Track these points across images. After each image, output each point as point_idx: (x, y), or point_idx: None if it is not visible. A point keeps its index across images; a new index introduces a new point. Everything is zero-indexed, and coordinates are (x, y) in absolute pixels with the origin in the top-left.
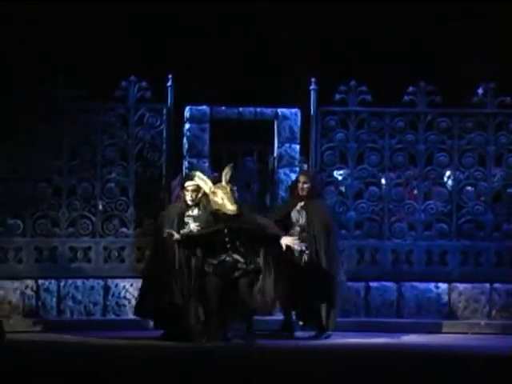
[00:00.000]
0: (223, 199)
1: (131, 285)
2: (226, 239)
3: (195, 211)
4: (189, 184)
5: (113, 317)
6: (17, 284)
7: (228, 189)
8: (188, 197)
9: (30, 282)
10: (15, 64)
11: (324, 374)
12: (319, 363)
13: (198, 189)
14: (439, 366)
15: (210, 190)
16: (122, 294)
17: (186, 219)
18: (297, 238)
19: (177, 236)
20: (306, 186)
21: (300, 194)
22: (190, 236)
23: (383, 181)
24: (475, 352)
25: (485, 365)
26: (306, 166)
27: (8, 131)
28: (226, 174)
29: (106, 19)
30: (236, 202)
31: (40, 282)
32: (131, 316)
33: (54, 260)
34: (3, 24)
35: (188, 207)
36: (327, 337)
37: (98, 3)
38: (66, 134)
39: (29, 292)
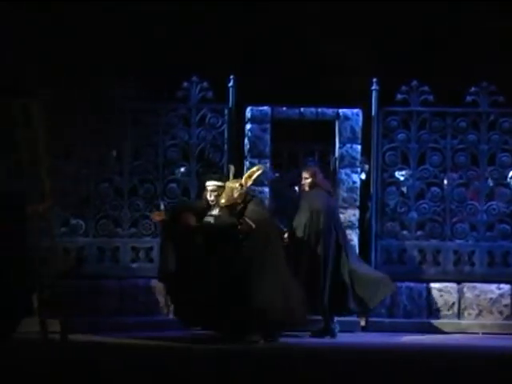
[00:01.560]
0: (223, 194)
1: None
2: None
3: (215, 211)
4: (208, 184)
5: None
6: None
7: (232, 184)
8: (208, 197)
9: (93, 282)
10: (79, 64)
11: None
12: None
13: (217, 189)
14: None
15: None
16: None
17: (207, 218)
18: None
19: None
20: (307, 181)
21: (302, 188)
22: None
23: (445, 181)
24: None
25: None
26: (367, 167)
27: (71, 132)
28: (250, 173)
29: (168, 19)
30: (233, 198)
31: (102, 281)
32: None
33: (115, 260)
34: (69, 25)
35: (209, 207)
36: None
37: (160, 3)
38: (127, 134)
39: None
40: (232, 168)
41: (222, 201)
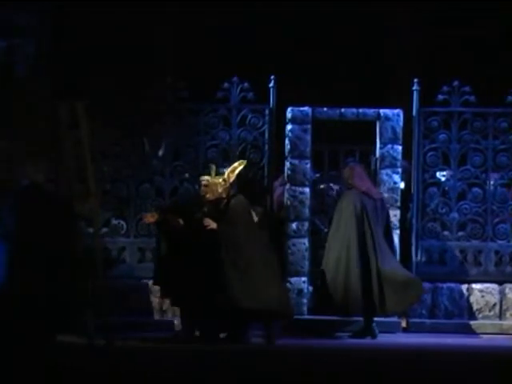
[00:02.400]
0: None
1: None
2: None
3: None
4: (202, 179)
5: None
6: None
7: (216, 180)
8: (202, 192)
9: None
10: (124, 65)
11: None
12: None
13: (208, 184)
14: None
15: None
16: None
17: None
18: None
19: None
20: (344, 181)
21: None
22: None
23: (491, 182)
24: None
25: None
26: (407, 167)
27: (116, 132)
28: (232, 168)
29: (209, 21)
30: (218, 193)
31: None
32: None
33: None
34: (113, 27)
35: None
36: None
37: (201, 4)
38: (168, 135)
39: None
40: (213, 167)
41: (208, 196)
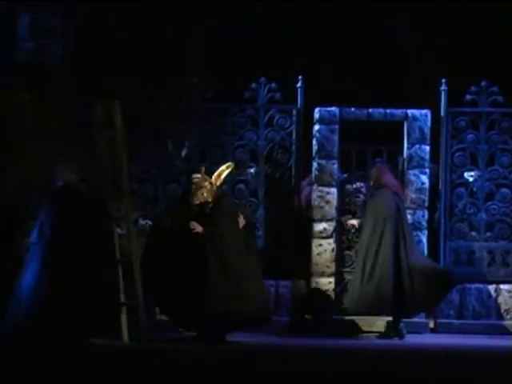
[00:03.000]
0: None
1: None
2: None
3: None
4: (194, 176)
5: None
6: None
7: (202, 183)
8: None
9: None
10: (151, 64)
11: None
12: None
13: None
14: None
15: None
16: None
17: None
18: None
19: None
20: (373, 181)
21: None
22: None
23: None
24: None
25: None
26: (435, 170)
27: (144, 132)
28: (219, 171)
29: (236, 21)
30: (204, 197)
31: None
32: None
33: None
34: (140, 27)
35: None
36: None
37: (228, 4)
38: (196, 135)
39: None
40: (203, 168)
41: (194, 200)
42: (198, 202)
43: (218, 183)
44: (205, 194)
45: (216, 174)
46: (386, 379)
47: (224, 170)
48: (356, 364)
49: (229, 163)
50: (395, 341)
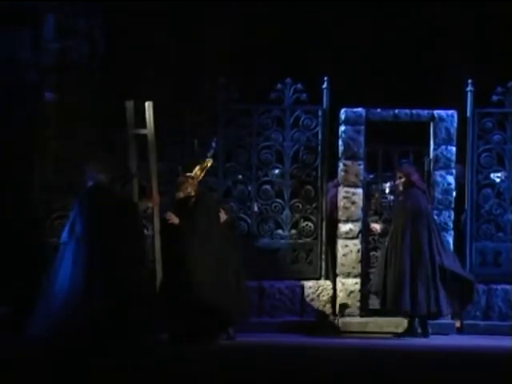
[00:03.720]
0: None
1: (286, 287)
2: None
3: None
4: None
5: (267, 319)
6: None
7: (183, 179)
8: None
9: None
10: (177, 65)
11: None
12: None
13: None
14: None
15: None
16: (277, 296)
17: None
18: None
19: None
20: (401, 181)
21: (396, 188)
22: None
23: None
24: None
25: None
26: (461, 172)
27: (170, 133)
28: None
29: (261, 22)
30: (187, 191)
31: None
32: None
33: None
34: (166, 27)
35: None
36: None
37: (254, 5)
38: (221, 135)
39: None
40: (180, 167)
41: (178, 194)
42: (182, 196)
43: (200, 177)
44: (188, 189)
45: (197, 168)
46: (410, 379)
47: (205, 165)
48: (379, 364)
49: (208, 159)
50: (420, 341)
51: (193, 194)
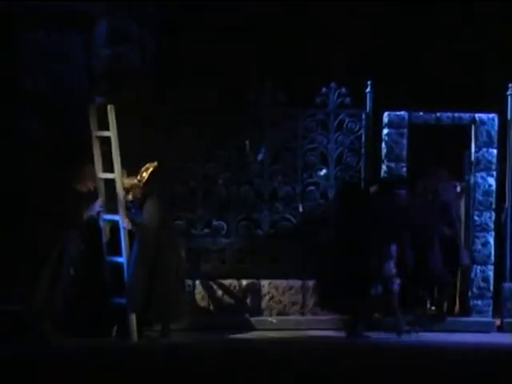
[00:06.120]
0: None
1: None
2: None
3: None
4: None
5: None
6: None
7: (130, 181)
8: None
9: (234, 282)
10: (225, 68)
11: None
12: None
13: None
14: None
15: None
16: None
17: None
18: None
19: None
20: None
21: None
22: None
23: None
24: None
25: None
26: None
27: (216, 136)
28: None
29: (307, 29)
30: (136, 192)
31: (243, 282)
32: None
33: (255, 261)
34: (213, 30)
35: None
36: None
37: (300, 10)
38: (268, 138)
39: (232, 291)
40: (124, 171)
41: (129, 197)
42: (131, 199)
43: (145, 179)
44: (137, 193)
45: (142, 170)
46: (445, 375)
47: (149, 167)
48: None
49: (153, 163)
50: (456, 337)
51: (139, 196)
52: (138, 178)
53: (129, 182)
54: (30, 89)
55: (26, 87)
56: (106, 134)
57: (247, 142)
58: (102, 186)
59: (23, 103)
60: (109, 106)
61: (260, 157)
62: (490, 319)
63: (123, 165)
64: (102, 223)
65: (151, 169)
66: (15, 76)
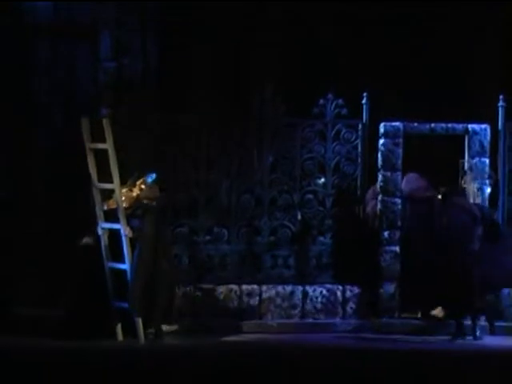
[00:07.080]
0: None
1: (327, 290)
2: None
3: None
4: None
5: (310, 320)
6: (222, 289)
7: (125, 192)
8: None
9: (234, 287)
10: (227, 79)
11: None
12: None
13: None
14: None
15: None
16: (319, 299)
17: None
18: None
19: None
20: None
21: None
22: None
23: None
24: None
25: None
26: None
27: (219, 143)
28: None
29: (303, 40)
30: (130, 203)
31: (244, 287)
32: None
33: (256, 266)
34: (216, 40)
35: None
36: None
37: (296, 22)
38: (267, 147)
39: (233, 296)
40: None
41: (125, 205)
42: (128, 207)
43: (136, 191)
44: (131, 202)
45: (138, 184)
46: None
47: (144, 182)
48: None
49: (144, 178)
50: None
51: (127, 205)
52: (136, 190)
53: (127, 194)
54: (36, 101)
55: (34, 99)
56: (100, 146)
57: (255, 152)
58: (98, 197)
59: (30, 114)
60: (104, 120)
61: (270, 160)
62: None
63: (126, 175)
64: (100, 231)
65: (141, 181)
66: (22, 87)
